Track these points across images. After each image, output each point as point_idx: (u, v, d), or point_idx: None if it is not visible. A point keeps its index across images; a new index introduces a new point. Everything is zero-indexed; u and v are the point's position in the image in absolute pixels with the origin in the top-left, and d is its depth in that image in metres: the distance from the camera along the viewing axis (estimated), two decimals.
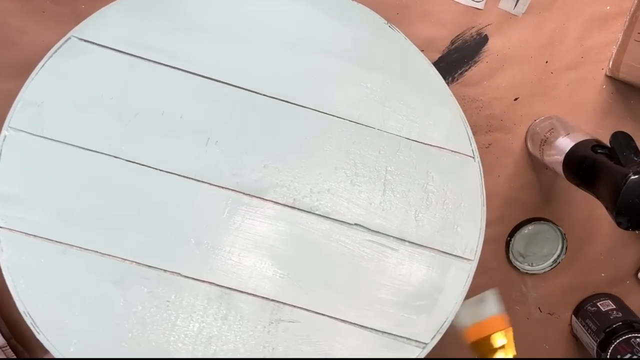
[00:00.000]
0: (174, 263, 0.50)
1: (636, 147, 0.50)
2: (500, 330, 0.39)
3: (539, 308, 0.73)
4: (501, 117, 0.66)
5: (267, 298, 0.50)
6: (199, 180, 0.51)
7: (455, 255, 0.53)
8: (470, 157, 0.54)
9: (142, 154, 0.50)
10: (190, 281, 0.50)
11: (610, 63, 0.65)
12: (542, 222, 0.69)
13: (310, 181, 0.52)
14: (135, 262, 0.49)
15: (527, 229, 0.69)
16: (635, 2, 0.62)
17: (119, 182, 0.50)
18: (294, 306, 0.51)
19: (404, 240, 0.53)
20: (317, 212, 0.52)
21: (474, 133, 0.66)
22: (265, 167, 0.52)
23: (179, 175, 0.51)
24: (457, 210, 0.53)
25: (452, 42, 0.64)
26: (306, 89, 0.53)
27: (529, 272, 0.71)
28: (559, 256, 0.70)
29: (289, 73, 0.53)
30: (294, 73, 0.53)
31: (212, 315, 0.50)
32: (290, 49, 0.53)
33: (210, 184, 0.51)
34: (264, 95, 0.52)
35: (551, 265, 0.70)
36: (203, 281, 0.50)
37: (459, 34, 0.64)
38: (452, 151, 0.54)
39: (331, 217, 0.52)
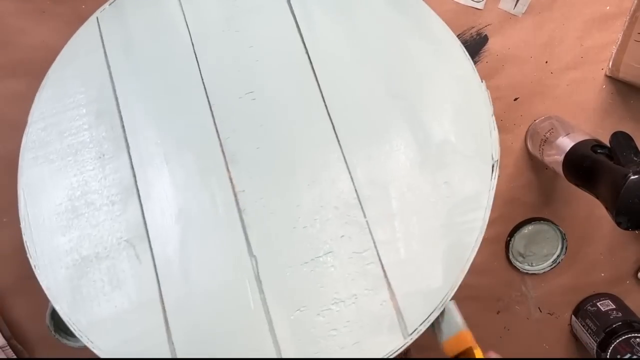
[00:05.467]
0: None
1: (636, 147, 0.50)
2: (470, 343, 0.40)
3: (539, 308, 0.73)
4: (501, 117, 0.66)
5: None
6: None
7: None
8: None
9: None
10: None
11: (610, 63, 0.65)
12: (542, 222, 0.69)
13: None
14: None
15: (527, 229, 0.69)
16: (635, 2, 0.62)
17: None
18: None
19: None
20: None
21: None
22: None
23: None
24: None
25: None
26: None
27: (529, 272, 0.71)
28: (558, 256, 0.70)
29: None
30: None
31: None
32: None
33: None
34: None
35: (551, 265, 0.70)
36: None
37: (459, 34, 0.64)
38: None
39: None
